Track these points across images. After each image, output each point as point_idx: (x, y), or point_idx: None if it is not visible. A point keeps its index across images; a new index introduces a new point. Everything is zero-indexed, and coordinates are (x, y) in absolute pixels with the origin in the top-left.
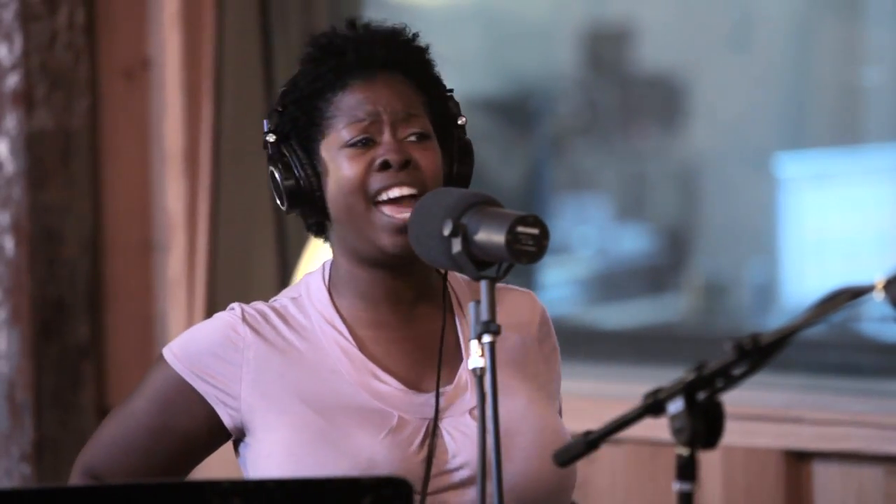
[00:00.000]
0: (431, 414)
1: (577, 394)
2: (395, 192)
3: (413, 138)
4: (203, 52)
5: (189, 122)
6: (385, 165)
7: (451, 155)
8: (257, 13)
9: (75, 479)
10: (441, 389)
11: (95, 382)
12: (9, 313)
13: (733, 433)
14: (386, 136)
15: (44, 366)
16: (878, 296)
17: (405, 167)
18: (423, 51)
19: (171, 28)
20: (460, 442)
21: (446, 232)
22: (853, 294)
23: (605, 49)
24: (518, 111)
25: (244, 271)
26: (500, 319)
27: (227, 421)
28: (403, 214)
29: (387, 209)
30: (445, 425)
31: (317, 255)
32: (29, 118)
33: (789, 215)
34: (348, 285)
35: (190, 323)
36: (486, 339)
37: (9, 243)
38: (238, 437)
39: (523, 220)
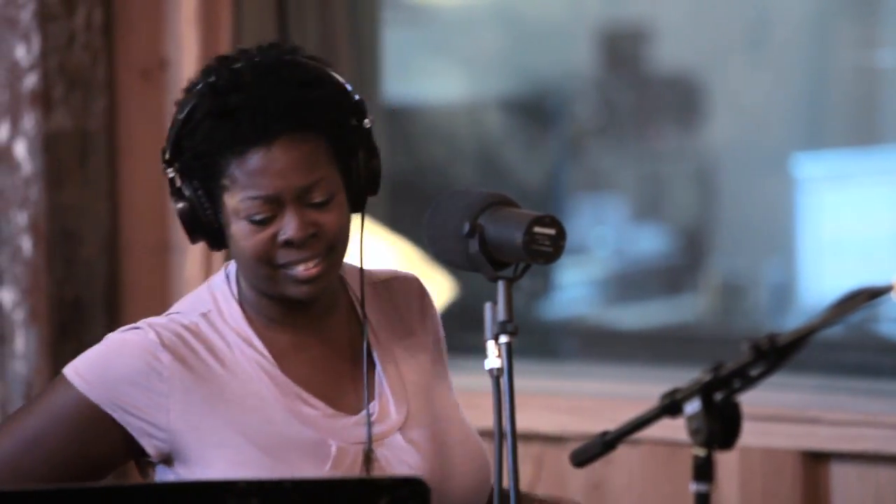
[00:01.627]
0: (363, 438)
1: (595, 394)
2: (300, 268)
3: (317, 201)
4: (220, 52)
5: None
6: (288, 243)
7: (356, 160)
8: (274, 13)
9: None
10: (370, 411)
11: None
12: (27, 313)
13: (750, 434)
14: (289, 213)
15: (61, 366)
16: None
17: (309, 239)
18: (318, 84)
19: (189, 28)
20: (397, 468)
21: (464, 232)
22: (871, 294)
23: (623, 49)
24: (535, 111)
25: None
26: (397, 311)
27: (152, 451)
28: (310, 272)
29: (291, 272)
30: (381, 450)
31: None
32: (47, 118)
33: (806, 215)
34: (259, 309)
35: None
36: (504, 339)
37: (27, 243)
38: (160, 461)
39: (540, 221)
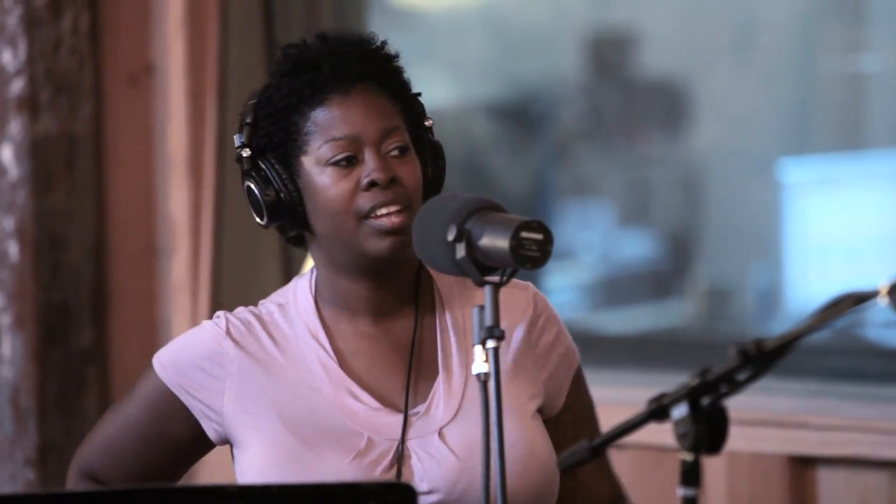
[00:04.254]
0: (400, 434)
1: None
2: (383, 211)
3: (395, 152)
4: (207, 57)
5: (193, 128)
6: (372, 185)
7: (424, 159)
8: (261, 19)
9: (72, 478)
10: (415, 409)
11: (99, 387)
12: (13, 318)
13: (737, 438)
14: (369, 155)
15: (48, 371)
16: (882, 301)
17: (391, 184)
18: (395, 58)
19: (175, 33)
20: (428, 465)
21: (451, 237)
22: (857, 299)
23: (609, 54)
24: (522, 116)
25: (248, 276)
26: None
27: (212, 434)
28: (392, 220)
29: (376, 221)
30: (413, 446)
31: None
32: (33, 123)
33: (793, 220)
34: (331, 295)
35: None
36: (490, 344)
37: (13, 248)
38: (221, 444)
39: (527, 226)
